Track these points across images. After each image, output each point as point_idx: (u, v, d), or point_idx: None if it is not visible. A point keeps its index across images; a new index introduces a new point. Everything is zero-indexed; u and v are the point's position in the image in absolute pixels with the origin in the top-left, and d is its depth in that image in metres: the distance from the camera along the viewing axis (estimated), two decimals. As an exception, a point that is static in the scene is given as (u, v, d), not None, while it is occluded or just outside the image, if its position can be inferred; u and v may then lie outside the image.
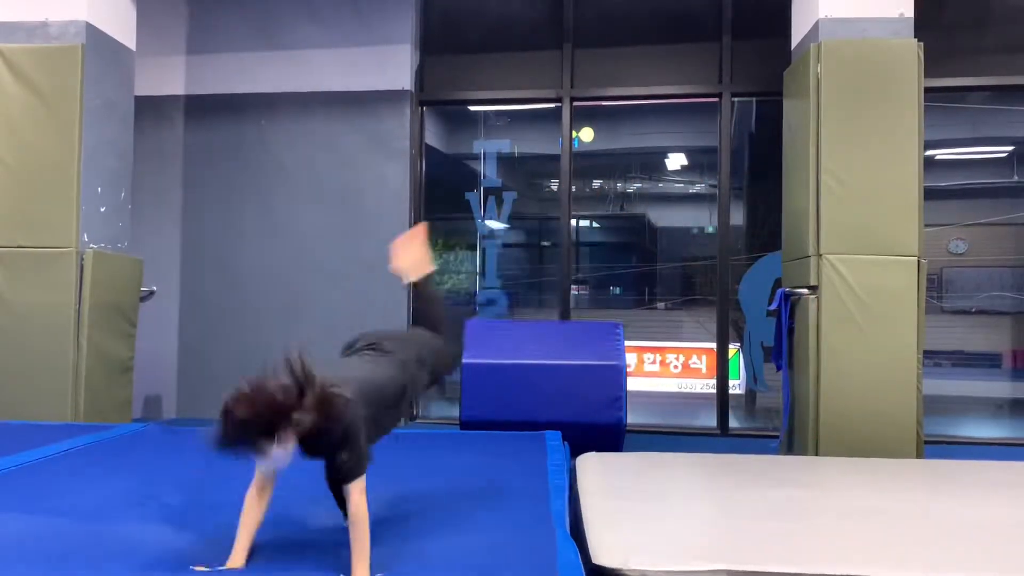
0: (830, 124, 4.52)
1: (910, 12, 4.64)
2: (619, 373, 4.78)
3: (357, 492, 2.08)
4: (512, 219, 6.61)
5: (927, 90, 4.59)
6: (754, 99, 6.31)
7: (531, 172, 7.20)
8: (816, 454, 4.40)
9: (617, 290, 7.64)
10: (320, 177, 6.30)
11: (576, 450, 3.86)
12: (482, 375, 4.83)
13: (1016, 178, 6.51)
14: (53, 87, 4.71)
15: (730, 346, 6.13)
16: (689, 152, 7.53)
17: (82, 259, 4.67)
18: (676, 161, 7.70)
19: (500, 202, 6.53)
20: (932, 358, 5.90)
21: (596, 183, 7.95)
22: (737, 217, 6.33)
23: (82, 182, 4.73)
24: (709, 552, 2.36)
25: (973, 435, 5.87)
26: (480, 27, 6.42)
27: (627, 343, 5.10)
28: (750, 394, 6.36)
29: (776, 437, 5.02)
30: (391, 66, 6.22)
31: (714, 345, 6.18)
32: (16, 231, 4.68)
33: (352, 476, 2.07)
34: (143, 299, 5.20)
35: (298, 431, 1.89)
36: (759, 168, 6.37)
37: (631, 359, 6.31)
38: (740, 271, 6.22)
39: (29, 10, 4.83)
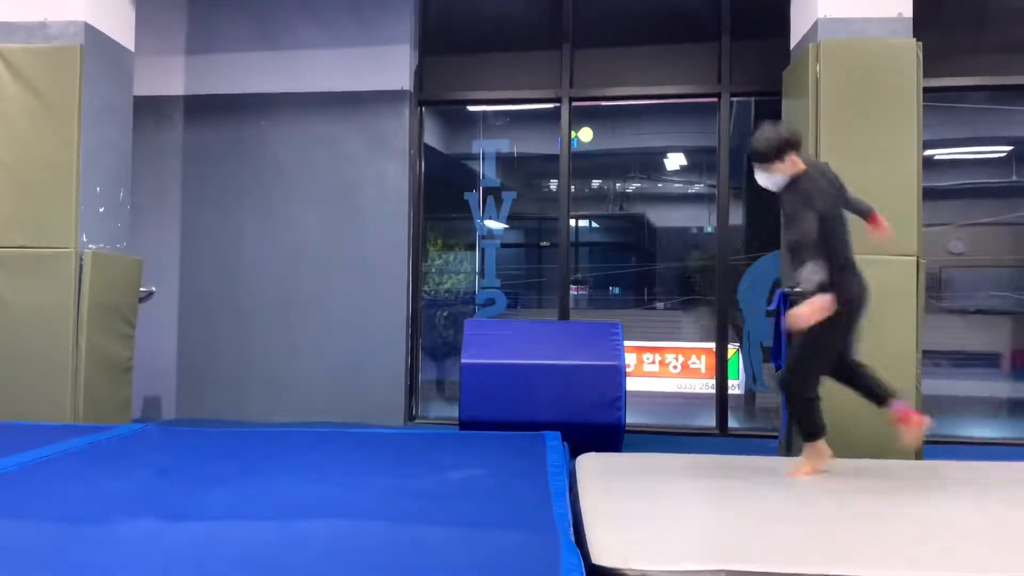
0: (829, 124, 4.53)
1: (909, 12, 4.64)
2: (618, 373, 4.78)
3: None
4: (511, 219, 6.61)
5: (926, 90, 4.60)
6: (753, 99, 6.31)
7: (530, 172, 7.20)
8: (815, 454, 4.39)
9: (616, 290, 7.64)
10: (319, 177, 6.30)
11: (575, 450, 3.86)
12: (481, 375, 4.83)
13: (1015, 178, 6.50)
14: (52, 87, 4.71)
15: (729, 346, 6.13)
16: (688, 152, 7.52)
17: (81, 259, 4.67)
18: (675, 161, 7.69)
19: (499, 202, 6.52)
20: (931, 358, 5.90)
21: (595, 183, 7.94)
22: (736, 217, 6.33)
23: (81, 182, 4.73)
24: (708, 552, 2.36)
25: (973, 435, 5.87)
26: (479, 27, 6.41)
27: (626, 343, 5.10)
28: (749, 394, 6.36)
29: (775, 437, 5.02)
30: (390, 66, 6.22)
31: (713, 345, 6.18)
32: (15, 231, 4.68)
33: None
34: (142, 299, 5.20)
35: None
36: (758, 168, 6.36)
37: (630, 359, 6.31)
38: (739, 271, 6.22)
39: (28, 10, 4.83)
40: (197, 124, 6.45)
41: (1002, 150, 6.63)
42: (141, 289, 5.18)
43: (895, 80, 4.50)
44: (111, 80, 5.04)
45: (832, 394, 4.41)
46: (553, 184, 6.65)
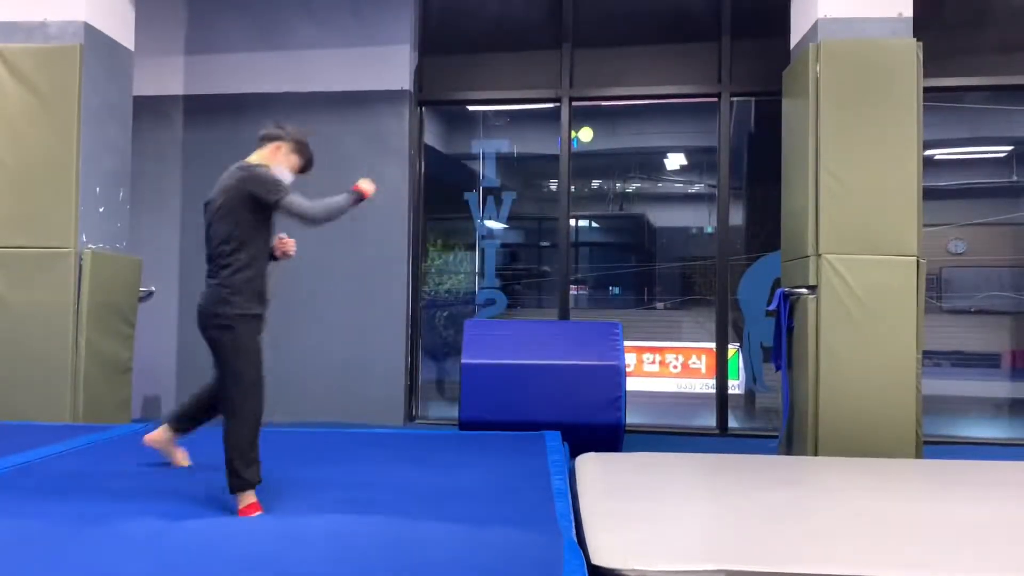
0: (829, 124, 4.52)
1: (909, 12, 4.64)
2: (618, 373, 4.78)
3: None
4: (511, 219, 6.61)
5: (926, 90, 4.60)
6: (753, 99, 6.31)
7: (530, 172, 7.19)
8: (815, 454, 4.40)
9: (616, 290, 7.63)
10: (319, 177, 6.24)
11: (575, 450, 3.86)
12: (481, 375, 4.83)
13: (1015, 178, 6.50)
14: (52, 87, 4.71)
15: (729, 346, 6.13)
16: (688, 152, 7.52)
17: (81, 259, 4.67)
18: (675, 161, 7.69)
19: (499, 202, 6.52)
20: (931, 358, 5.90)
21: (595, 183, 7.94)
22: (736, 217, 6.33)
23: (81, 182, 4.73)
24: (708, 552, 2.36)
25: (972, 435, 5.87)
26: (479, 27, 6.41)
27: (626, 343, 5.10)
28: (749, 394, 6.36)
29: (775, 437, 5.02)
30: (390, 66, 6.22)
31: (713, 345, 6.18)
32: (15, 231, 4.68)
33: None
34: (142, 299, 5.19)
35: None
36: (758, 168, 6.37)
37: (630, 359, 6.31)
38: (739, 271, 6.22)
39: (28, 10, 4.83)
40: (197, 124, 6.45)
41: (1002, 150, 6.63)
42: (141, 289, 5.18)
43: (895, 80, 4.50)
44: (111, 80, 5.03)
45: (831, 394, 4.42)
46: (553, 184, 6.64)
